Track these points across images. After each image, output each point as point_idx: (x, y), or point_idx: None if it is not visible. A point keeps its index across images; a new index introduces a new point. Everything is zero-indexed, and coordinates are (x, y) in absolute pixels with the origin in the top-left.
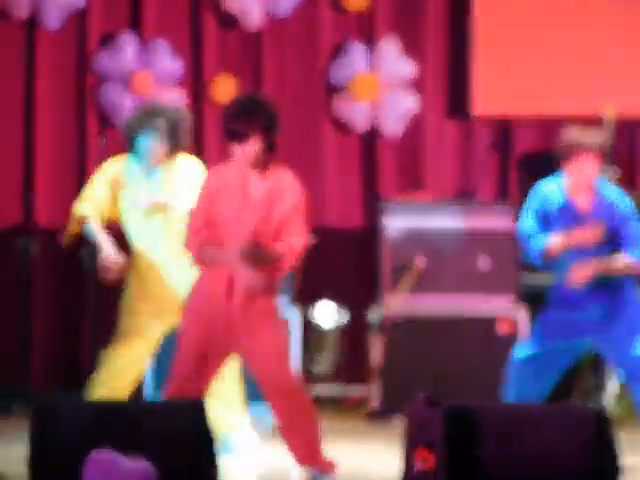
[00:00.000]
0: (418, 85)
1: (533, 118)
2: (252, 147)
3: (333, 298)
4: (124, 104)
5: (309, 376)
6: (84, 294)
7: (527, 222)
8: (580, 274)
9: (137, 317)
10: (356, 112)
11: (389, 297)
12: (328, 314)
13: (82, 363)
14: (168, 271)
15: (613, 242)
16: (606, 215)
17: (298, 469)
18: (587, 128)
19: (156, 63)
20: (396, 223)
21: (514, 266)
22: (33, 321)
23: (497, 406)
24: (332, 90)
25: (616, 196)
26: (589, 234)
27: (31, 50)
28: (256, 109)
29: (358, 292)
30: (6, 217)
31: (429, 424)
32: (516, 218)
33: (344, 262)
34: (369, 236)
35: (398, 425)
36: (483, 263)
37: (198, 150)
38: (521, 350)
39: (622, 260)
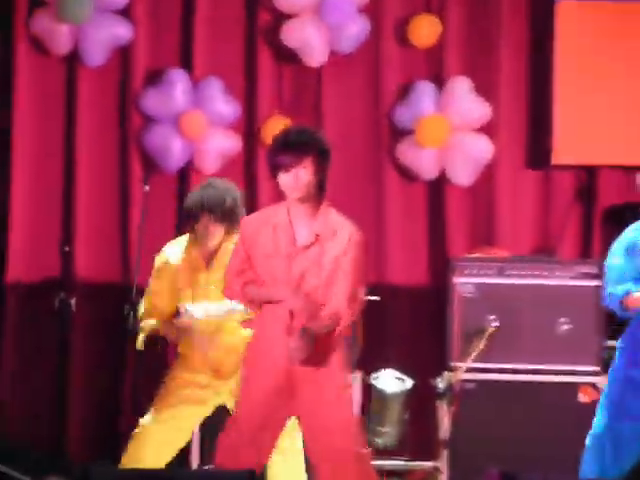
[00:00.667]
0: (492, 129)
1: (619, 167)
2: (302, 177)
3: (396, 363)
4: (172, 147)
5: (371, 449)
6: (125, 354)
7: (613, 261)
8: None
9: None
10: (423, 158)
11: (459, 361)
12: (391, 381)
13: (122, 428)
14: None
15: None
16: None
17: None
18: None
19: (208, 103)
20: (467, 281)
21: (597, 328)
22: (70, 382)
23: None
24: (397, 133)
25: None
26: None
27: (71, 88)
28: (307, 136)
29: (425, 356)
30: (43, 270)
31: None
32: (600, 277)
33: (408, 322)
34: (436, 294)
35: None
36: (563, 325)
37: (252, 199)
38: (598, 419)
39: None
